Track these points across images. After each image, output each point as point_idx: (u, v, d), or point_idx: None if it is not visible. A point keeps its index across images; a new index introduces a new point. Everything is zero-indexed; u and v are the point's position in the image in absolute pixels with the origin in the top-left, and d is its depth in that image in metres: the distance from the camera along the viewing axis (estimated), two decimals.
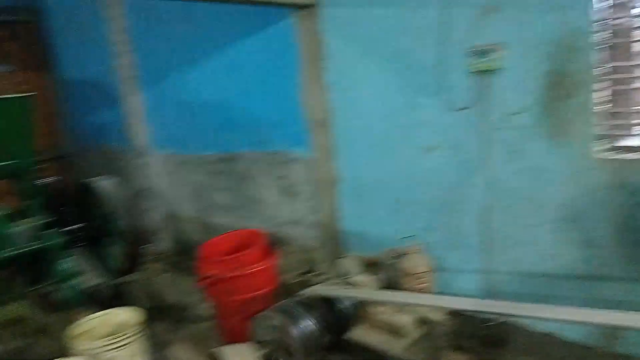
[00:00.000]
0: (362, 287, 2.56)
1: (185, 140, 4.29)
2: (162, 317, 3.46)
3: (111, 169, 5.03)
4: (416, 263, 2.62)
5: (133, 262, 3.54)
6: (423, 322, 2.53)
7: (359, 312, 2.55)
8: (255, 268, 2.64)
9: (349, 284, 2.59)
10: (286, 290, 3.21)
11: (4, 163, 3.14)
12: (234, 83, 3.65)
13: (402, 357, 2.33)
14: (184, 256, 4.59)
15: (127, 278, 4.07)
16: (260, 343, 2.37)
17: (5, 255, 3.09)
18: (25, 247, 3.15)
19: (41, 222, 3.22)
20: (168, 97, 4.35)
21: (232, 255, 2.71)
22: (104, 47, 4.63)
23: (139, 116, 4.63)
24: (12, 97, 3.13)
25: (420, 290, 2.57)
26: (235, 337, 2.74)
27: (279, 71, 3.25)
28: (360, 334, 2.52)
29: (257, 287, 2.68)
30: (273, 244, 2.98)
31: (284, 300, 2.52)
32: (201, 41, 3.80)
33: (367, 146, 2.94)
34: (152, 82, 4.48)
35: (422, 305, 2.43)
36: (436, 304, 2.28)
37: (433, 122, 2.60)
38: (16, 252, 3.12)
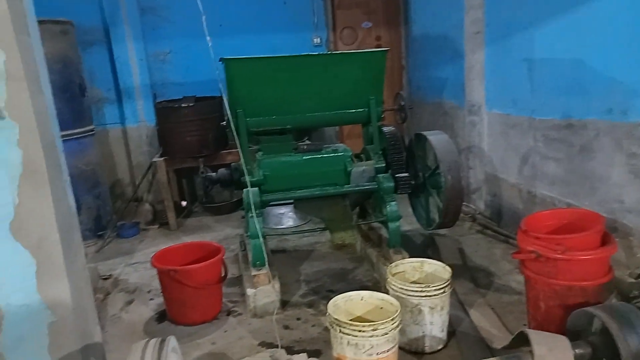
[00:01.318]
0: None
1: (520, 101, 4.00)
2: (466, 277, 3.47)
3: (443, 124, 5.20)
4: None
5: (450, 217, 3.61)
6: None
7: None
8: (585, 255, 2.30)
9: None
10: (619, 290, 2.71)
11: (359, 110, 3.62)
12: (591, 39, 3.13)
13: None
14: (497, 221, 4.44)
15: (441, 231, 4.22)
16: (577, 341, 2.07)
17: (346, 189, 3.60)
18: (362, 186, 3.59)
19: (378, 165, 3.60)
20: (509, 55, 4.10)
21: (561, 236, 2.42)
22: (456, 2, 4.66)
23: (478, 73, 4.55)
24: (372, 51, 3.50)
25: None
26: (544, 323, 2.50)
27: None
28: None
29: (583, 277, 2.33)
30: (610, 232, 2.52)
31: (616, 301, 2.12)
32: None
33: None
34: (496, 38, 4.30)
35: None
36: None
37: None
38: (354, 188, 3.60)
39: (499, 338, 2.67)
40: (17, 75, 1.79)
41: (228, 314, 3.19)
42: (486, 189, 4.69)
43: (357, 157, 3.85)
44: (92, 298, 2.23)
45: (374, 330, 2.16)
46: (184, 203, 5.33)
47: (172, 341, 1.71)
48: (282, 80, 3.44)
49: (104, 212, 4.93)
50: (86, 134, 4.74)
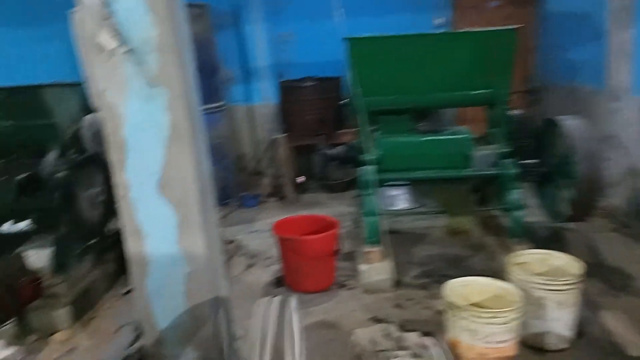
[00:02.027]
0: None
1: None
2: (598, 277, 3.17)
3: (578, 109, 4.75)
4: None
5: (582, 210, 3.31)
6: None
7: None
8: None
9: None
10: None
11: (483, 91, 3.44)
12: None
13: None
14: (637, 219, 3.98)
15: (570, 225, 3.89)
16: None
17: (465, 174, 3.46)
18: (484, 171, 3.43)
19: (502, 150, 3.40)
20: None
21: None
22: None
23: (624, 54, 4.07)
24: (501, 30, 3.30)
25: None
26: None
27: None
28: None
29: None
30: None
31: None
32: None
33: None
34: None
35: None
36: None
37: None
38: (475, 173, 3.45)
39: (635, 345, 2.41)
40: (168, 48, 1.97)
41: (340, 287, 3.27)
42: (627, 183, 4.21)
43: (479, 141, 3.67)
44: (222, 255, 2.41)
45: (493, 317, 2.07)
46: (301, 179, 5.53)
47: (293, 302, 1.79)
48: (404, 60, 3.38)
49: (229, 182, 5.29)
50: (217, 110, 5.10)
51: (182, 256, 2.10)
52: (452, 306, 2.18)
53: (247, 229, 4.54)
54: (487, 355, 2.12)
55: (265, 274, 3.54)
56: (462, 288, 2.39)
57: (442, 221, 4.20)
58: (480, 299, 2.39)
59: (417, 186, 3.79)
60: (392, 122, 3.59)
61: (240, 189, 5.45)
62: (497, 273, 3.23)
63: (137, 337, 2.64)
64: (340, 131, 5.16)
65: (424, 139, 3.51)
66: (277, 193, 5.46)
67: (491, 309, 2.14)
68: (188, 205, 2.06)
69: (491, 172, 3.41)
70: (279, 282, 3.38)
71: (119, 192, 2.06)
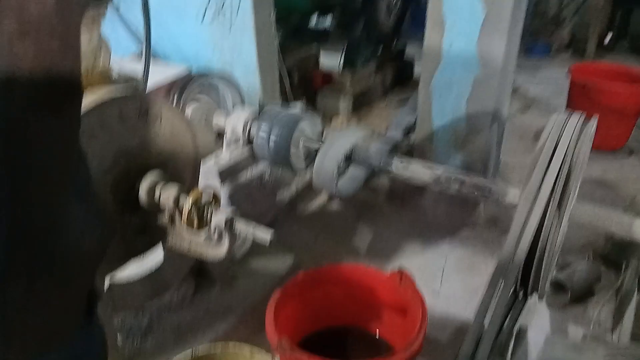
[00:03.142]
0: None
1: None
2: None
3: None
4: None
5: None
6: None
7: None
8: None
9: None
10: None
11: None
12: None
13: None
14: None
15: None
16: None
17: None
18: None
19: None
20: None
21: None
22: None
23: None
24: None
25: None
26: None
27: None
28: None
29: None
30: None
31: None
32: None
33: None
34: None
35: None
36: None
37: None
38: None
39: None
40: None
41: (630, 153, 2.81)
42: None
43: None
44: (513, 71, 2.24)
45: None
46: (608, 36, 4.64)
47: (594, 124, 1.57)
48: None
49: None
50: None
51: (477, 58, 2.00)
52: None
53: (529, 74, 4.12)
54: None
55: (540, 119, 3.24)
56: None
57: None
58: None
59: None
60: None
61: (531, 34, 4.86)
62: None
63: (406, 135, 2.82)
64: None
65: None
66: (574, 46, 4.71)
67: None
68: (500, 3, 1.88)
69: None
70: None
71: None
